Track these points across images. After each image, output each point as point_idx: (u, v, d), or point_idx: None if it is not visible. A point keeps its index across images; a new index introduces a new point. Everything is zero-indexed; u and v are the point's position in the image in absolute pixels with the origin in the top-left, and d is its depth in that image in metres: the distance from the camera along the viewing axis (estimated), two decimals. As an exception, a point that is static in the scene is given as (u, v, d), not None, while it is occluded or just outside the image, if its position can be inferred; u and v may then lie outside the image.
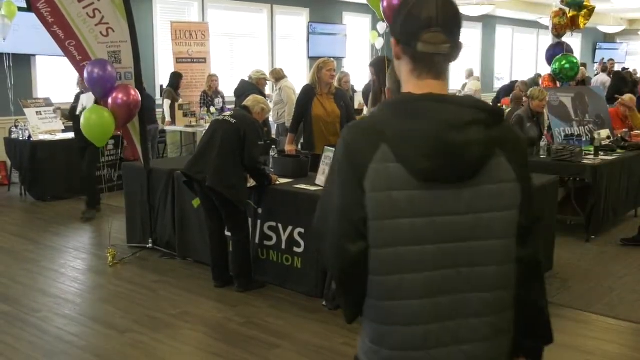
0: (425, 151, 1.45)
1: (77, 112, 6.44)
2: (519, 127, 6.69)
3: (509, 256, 1.53)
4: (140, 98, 5.60)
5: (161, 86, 11.19)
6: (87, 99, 5.89)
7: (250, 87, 8.56)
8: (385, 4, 4.74)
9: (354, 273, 1.52)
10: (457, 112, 1.47)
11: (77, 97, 6.95)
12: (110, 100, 5.48)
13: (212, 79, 10.00)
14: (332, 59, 6.12)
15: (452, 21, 1.56)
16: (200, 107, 9.84)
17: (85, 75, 5.46)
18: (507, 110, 9.19)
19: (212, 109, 9.57)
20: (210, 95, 9.85)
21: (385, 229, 1.47)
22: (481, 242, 1.50)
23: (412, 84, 1.56)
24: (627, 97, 8.12)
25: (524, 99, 7.44)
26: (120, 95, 5.47)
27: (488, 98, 15.24)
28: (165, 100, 9.83)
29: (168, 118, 9.83)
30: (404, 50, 1.56)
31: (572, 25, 8.03)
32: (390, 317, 1.52)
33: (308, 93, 5.74)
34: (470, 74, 13.24)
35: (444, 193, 1.47)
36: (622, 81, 12.87)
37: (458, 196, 1.48)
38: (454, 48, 1.57)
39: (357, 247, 1.49)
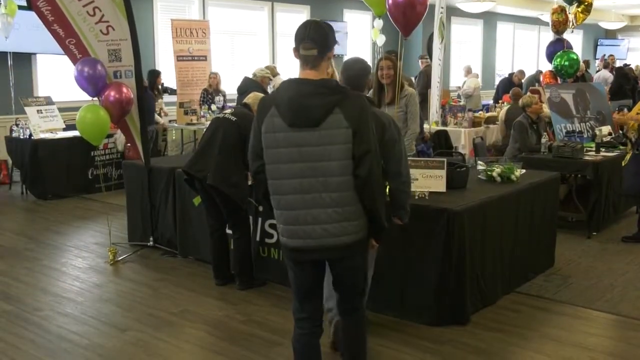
0: (289, 108, 2.68)
1: None
2: (525, 134, 6.79)
3: (347, 172, 2.69)
4: (132, 95, 5.61)
5: (162, 84, 11.18)
6: None
7: (253, 84, 8.50)
8: (390, 1, 4.81)
9: (260, 178, 2.86)
10: (310, 88, 2.69)
11: None
12: (102, 98, 5.49)
13: (212, 77, 9.99)
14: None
15: (318, 37, 2.73)
16: (201, 104, 9.80)
17: (76, 73, 5.46)
18: (507, 107, 9.15)
19: (213, 107, 9.56)
20: (210, 93, 9.84)
21: (271, 154, 2.75)
22: (329, 162, 2.68)
23: (299, 72, 2.78)
24: None
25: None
26: (112, 93, 5.48)
27: (489, 95, 15.23)
28: None
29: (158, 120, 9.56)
30: (296, 53, 2.77)
31: (575, 21, 8.01)
32: (279, 205, 2.80)
33: None
34: (468, 72, 13.16)
35: (304, 134, 2.67)
36: (624, 78, 12.84)
37: (312, 135, 2.67)
38: (321, 52, 2.73)
39: (258, 163, 2.83)
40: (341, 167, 2.68)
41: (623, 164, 6.01)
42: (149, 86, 9.58)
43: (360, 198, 2.74)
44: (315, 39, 2.71)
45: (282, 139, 2.70)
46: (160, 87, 10.06)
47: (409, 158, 4.52)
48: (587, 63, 14.91)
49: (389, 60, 4.79)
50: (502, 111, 9.34)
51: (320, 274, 2.92)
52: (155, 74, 9.96)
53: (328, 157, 2.66)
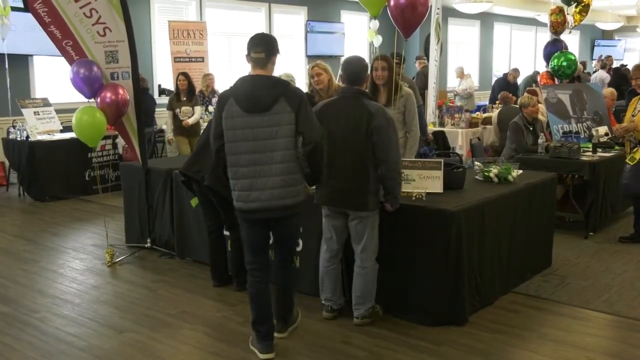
0: (245, 98, 3.46)
1: None
2: (520, 134, 6.78)
3: (290, 146, 3.47)
4: (128, 97, 5.60)
5: (159, 85, 11.16)
6: None
7: None
8: (392, 3, 4.81)
9: (220, 155, 3.58)
10: (261, 82, 3.49)
11: None
12: (98, 100, 5.48)
13: (209, 78, 9.87)
14: (319, 61, 5.60)
15: (266, 43, 3.55)
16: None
17: (72, 75, 5.45)
18: (498, 110, 9.14)
19: (210, 108, 9.53)
20: (207, 95, 9.76)
21: (230, 134, 3.49)
22: (275, 140, 3.44)
23: (251, 72, 3.56)
24: (608, 91, 8.39)
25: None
26: (108, 94, 5.48)
27: (486, 96, 15.25)
28: (168, 112, 8.76)
29: (169, 135, 8.77)
30: (248, 57, 3.57)
31: (572, 21, 8.04)
32: (236, 175, 3.52)
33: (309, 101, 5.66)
34: (462, 73, 13.11)
35: (256, 118, 3.44)
36: (622, 78, 12.84)
37: (263, 119, 3.44)
38: (268, 55, 3.53)
39: (219, 142, 3.55)
40: (285, 143, 3.45)
41: (631, 163, 5.84)
42: (175, 93, 8.79)
43: (309, 160, 3.50)
44: (265, 46, 3.52)
45: (239, 122, 3.45)
46: (184, 89, 8.68)
47: (408, 159, 4.54)
48: (584, 64, 14.93)
49: (384, 61, 4.68)
50: (494, 113, 9.33)
51: (267, 233, 3.74)
52: (177, 78, 8.85)
53: (275, 136, 3.43)
